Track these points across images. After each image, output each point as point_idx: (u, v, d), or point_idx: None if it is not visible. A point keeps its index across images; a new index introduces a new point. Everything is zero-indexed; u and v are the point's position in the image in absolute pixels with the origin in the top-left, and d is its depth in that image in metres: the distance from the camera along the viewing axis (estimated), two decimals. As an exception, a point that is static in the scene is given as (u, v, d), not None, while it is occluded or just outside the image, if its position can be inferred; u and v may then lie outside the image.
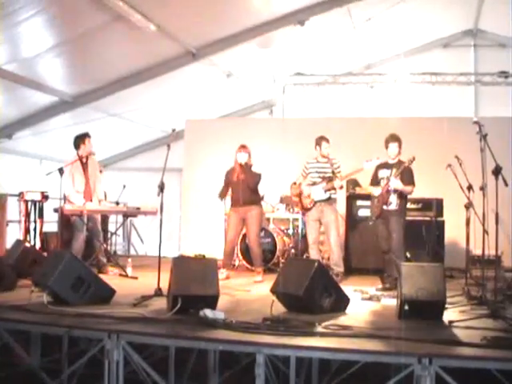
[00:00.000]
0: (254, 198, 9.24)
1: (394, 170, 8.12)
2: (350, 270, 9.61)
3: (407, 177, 8.12)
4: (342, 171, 9.10)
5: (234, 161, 9.24)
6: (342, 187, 9.25)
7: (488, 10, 13.72)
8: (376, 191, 8.37)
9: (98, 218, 9.67)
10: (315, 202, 9.16)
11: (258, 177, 9.20)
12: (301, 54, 14.18)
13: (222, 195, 9.50)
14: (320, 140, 9.29)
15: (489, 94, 14.82)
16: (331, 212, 9.16)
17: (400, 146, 8.31)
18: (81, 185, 9.31)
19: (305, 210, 9.41)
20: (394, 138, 8.36)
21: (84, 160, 9.42)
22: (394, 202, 8.17)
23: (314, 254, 9.16)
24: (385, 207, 8.19)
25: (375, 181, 8.50)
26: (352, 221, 10.45)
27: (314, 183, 9.18)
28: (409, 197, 8.72)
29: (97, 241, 9.43)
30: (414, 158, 7.95)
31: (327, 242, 9.42)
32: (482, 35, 15.57)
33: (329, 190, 9.06)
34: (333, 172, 9.10)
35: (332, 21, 12.56)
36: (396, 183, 8.03)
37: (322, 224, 9.24)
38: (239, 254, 10.56)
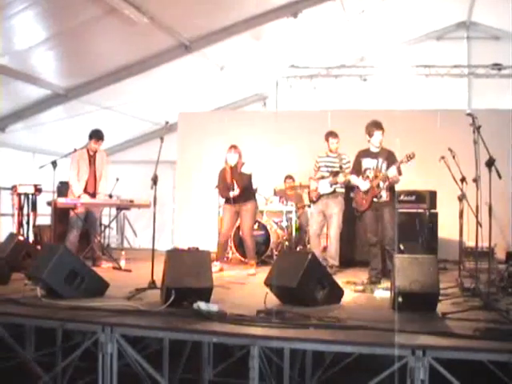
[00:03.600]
0: (247, 195, 9.25)
1: (381, 160, 7.99)
2: (343, 263, 9.59)
3: (394, 163, 7.93)
4: (350, 166, 9.13)
5: (225, 161, 9.27)
6: (345, 182, 9.27)
7: (481, 2, 13.73)
8: (363, 185, 8.11)
9: (99, 212, 9.72)
10: (320, 196, 9.27)
11: (248, 177, 9.22)
12: (294, 47, 14.18)
13: (221, 194, 9.51)
14: (328, 135, 9.42)
15: (482, 86, 14.84)
16: (336, 205, 9.25)
17: (383, 134, 8.11)
18: (84, 175, 9.37)
19: (311, 202, 9.62)
20: (379, 126, 8.13)
21: (91, 153, 9.47)
22: (384, 194, 8.01)
23: (313, 245, 9.24)
24: (375, 199, 8.03)
25: (357, 169, 8.27)
26: (350, 213, 10.42)
27: (323, 177, 9.30)
28: (402, 189, 8.72)
29: (93, 235, 9.44)
30: (414, 155, 7.68)
31: (328, 234, 9.46)
32: (475, 27, 15.59)
33: (334, 183, 9.19)
34: (340, 167, 9.19)
35: (325, 13, 12.54)
36: (394, 173, 7.80)
37: (325, 216, 9.30)
38: (233, 247, 10.58)
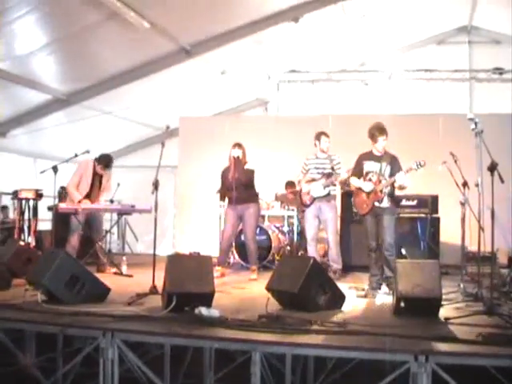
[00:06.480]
0: (250, 195, 9.16)
1: (385, 164, 7.72)
2: (346, 267, 9.56)
3: (398, 168, 7.68)
4: (342, 167, 9.02)
5: (228, 158, 9.19)
6: (341, 182, 9.20)
7: (482, 6, 13.70)
8: (366, 186, 7.82)
9: (102, 218, 9.70)
10: (314, 199, 9.13)
11: (251, 173, 9.14)
12: (295, 51, 14.17)
13: (222, 197, 9.48)
14: (319, 135, 9.23)
15: (483, 90, 14.83)
16: (330, 209, 9.10)
17: (386, 139, 7.81)
18: (86, 188, 9.32)
19: (304, 206, 9.37)
20: (382, 131, 7.79)
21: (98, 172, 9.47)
22: (385, 199, 7.72)
23: (312, 250, 9.11)
24: (377, 204, 7.73)
25: (358, 173, 7.97)
26: (347, 218, 10.41)
27: (313, 180, 9.15)
28: (404, 193, 8.66)
29: (97, 241, 9.41)
30: (424, 164, 7.44)
31: (326, 240, 9.39)
32: (476, 32, 15.55)
33: (328, 186, 9.05)
34: (332, 168, 9.08)
35: (326, 18, 12.52)
36: (404, 179, 7.52)
37: (320, 221, 9.21)
38: (234, 252, 10.56)
